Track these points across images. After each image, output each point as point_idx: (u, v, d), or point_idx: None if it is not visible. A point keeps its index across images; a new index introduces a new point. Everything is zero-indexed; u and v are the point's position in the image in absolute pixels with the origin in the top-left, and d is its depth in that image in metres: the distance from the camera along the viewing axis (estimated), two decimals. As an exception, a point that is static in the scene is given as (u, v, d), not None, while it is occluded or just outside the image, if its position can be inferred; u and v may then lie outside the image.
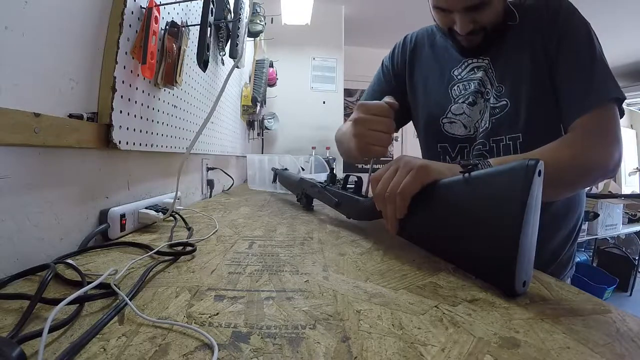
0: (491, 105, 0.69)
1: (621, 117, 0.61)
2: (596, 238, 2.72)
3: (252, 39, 1.82)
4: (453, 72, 0.75)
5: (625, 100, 0.62)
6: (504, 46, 0.69)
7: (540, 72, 0.64)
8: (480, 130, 0.70)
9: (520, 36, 0.67)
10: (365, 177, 0.62)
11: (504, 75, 0.68)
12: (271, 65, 2.24)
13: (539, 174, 0.34)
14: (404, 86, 0.85)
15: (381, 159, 0.59)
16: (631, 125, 4.96)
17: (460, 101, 0.73)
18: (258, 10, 1.67)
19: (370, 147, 0.59)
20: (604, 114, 0.58)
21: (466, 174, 0.41)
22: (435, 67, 0.79)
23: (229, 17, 1.06)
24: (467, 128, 0.73)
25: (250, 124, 2.16)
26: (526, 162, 0.34)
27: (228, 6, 1.06)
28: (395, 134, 0.64)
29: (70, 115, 0.49)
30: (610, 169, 0.57)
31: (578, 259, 2.32)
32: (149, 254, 0.46)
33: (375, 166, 0.60)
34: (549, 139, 0.58)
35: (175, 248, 0.50)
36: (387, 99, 0.58)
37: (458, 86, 0.74)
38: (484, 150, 0.70)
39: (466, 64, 0.74)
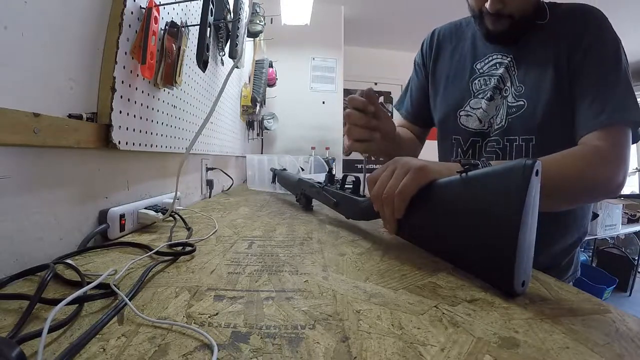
0: (508, 103, 0.69)
1: (635, 142, 0.58)
2: (596, 238, 2.72)
3: (252, 39, 1.82)
4: (475, 65, 0.76)
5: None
6: (529, 46, 0.68)
7: (562, 79, 0.63)
8: (495, 127, 0.71)
9: (547, 38, 0.66)
10: (361, 176, 0.62)
11: (525, 76, 0.67)
12: (271, 66, 2.24)
13: (537, 174, 0.34)
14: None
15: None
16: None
17: (479, 96, 0.74)
18: (258, 11, 1.67)
19: (349, 141, 0.59)
20: (615, 135, 0.57)
21: (463, 174, 0.41)
22: (459, 60, 0.79)
23: (228, 17, 1.06)
24: (482, 122, 0.73)
25: (249, 124, 2.16)
26: (523, 161, 0.34)
27: (228, 6, 1.06)
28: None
29: (70, 116, 0.49)
30: (612, 190, 0.57)
31: (577, 259, 2.32)
32: (148, 254, 0.46)
33: (368, 166, 0.60)
34: (562, 145, 0.57)
35: (174, 248, 0.50)
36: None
37: (479, 80, 0.74)
38: (498, 147, 0.70)
39: (490, 58, 0.74)
